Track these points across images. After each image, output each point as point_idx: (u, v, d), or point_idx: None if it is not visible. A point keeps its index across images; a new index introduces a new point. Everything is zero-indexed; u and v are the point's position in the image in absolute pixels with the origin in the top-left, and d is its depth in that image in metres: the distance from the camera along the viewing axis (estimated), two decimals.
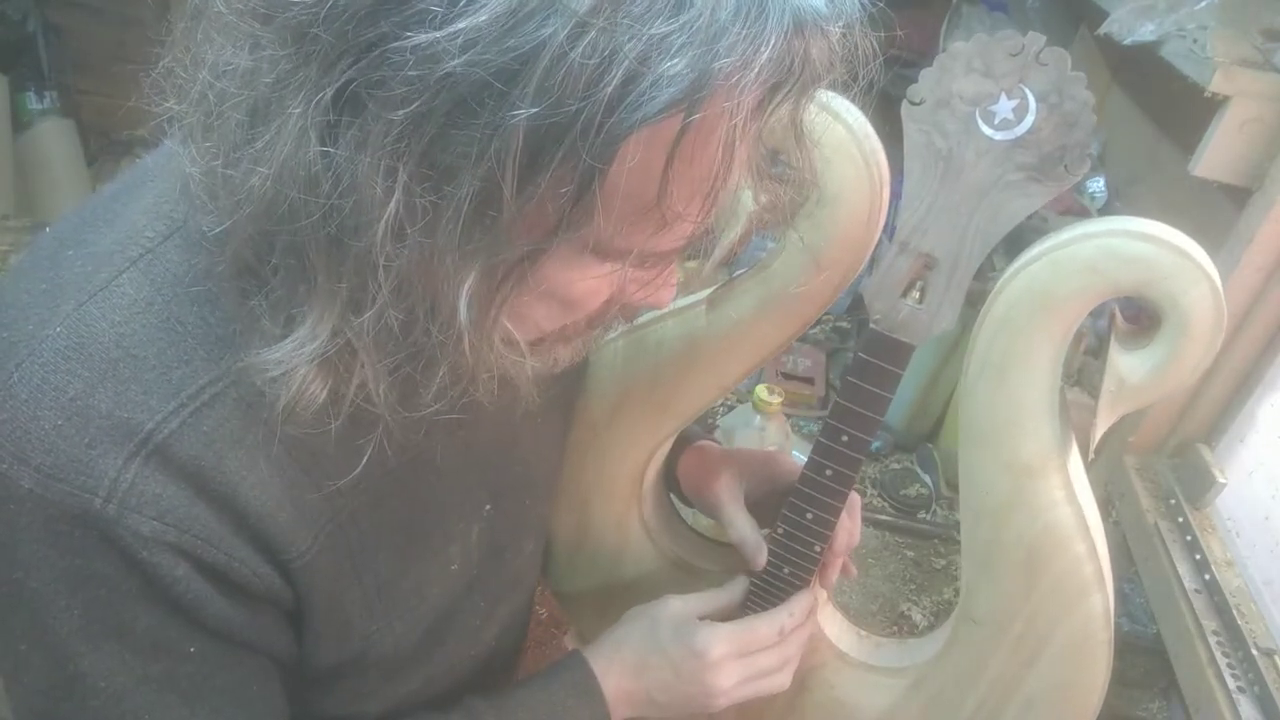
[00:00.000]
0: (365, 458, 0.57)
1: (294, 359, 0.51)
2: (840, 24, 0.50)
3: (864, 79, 0.55)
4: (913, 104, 0.65)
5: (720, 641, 0.81)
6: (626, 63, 0.42)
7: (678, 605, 0.84)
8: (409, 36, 0.43)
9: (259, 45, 0.47)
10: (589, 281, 0.55)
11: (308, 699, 0.71)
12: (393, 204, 0.46)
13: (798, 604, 0.86)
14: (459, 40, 0.42)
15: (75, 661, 0.56)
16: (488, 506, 0.77)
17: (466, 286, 0.48)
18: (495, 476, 0.77)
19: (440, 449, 0.69)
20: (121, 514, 0.53)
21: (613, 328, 0.67)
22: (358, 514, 0.64)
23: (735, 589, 0.88)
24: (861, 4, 0.52)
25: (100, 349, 0.54)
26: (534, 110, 0.43)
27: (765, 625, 0.83)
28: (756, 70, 0.45)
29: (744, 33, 0.44)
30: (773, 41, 0.45)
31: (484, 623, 0.81)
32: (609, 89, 0.43)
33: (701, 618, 0.84)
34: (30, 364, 0.53)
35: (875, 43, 0.54)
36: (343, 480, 0.61)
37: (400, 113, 0.44)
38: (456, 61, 0.42)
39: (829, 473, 0.79)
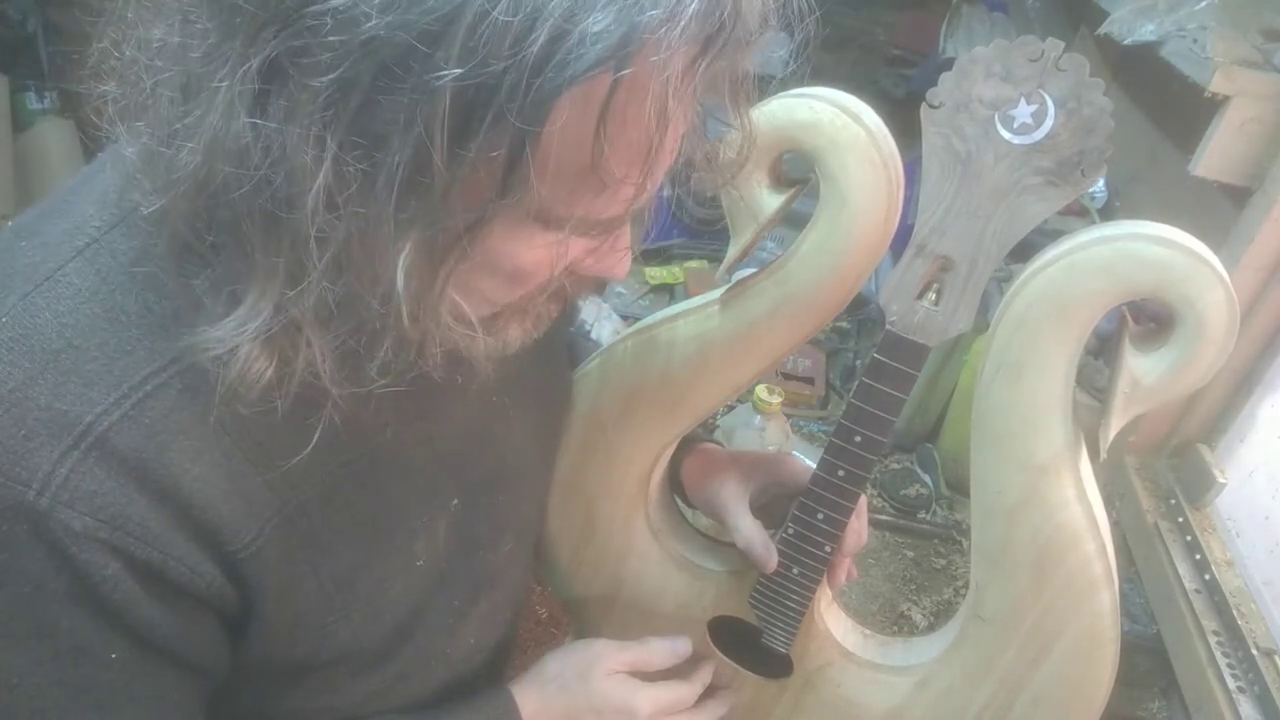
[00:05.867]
0: (313, 446, 0.57)
1: (236, 337, 0.51)
2: None
3: (799, 35, 0.55)
4: (932, 107, 0.66)
5: (648, 701, 0.85)
6: (551, 21, 0.43)
7: (611, 655, 0.86)
8: (327, 0, 0.43)
9: (188, 20, 0.48)
10: (535, 251, 0.54)
11: (276, 693, 0.71)
12: (322, 174, 0.46)
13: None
14: (376, 2, 0.43)
15: None
16: (455, 501, 0.76)
17: (404, 257, 0.48)
18: (463, 471, 0.76)
19: (400, 442, 0.68)
20: (54, 508, 0.52)
21: (569, 301, 0.66)
22: (309, 505, 0.63)
23: (660, 648, 0.90)
24: None
25: (42, 340, 0.54)
26: (459, 71, 0.43)
27: (688, 688, 0.88)
28: (683, 24, 0.45)
29: None
30: None
31: (459, 620, 0.80)
32: (534, 48, 0.43)
33: (632, 671, 0.87)
34: None
35: None
36: (290, 470, 0.61)
37: (324, 79, 0.44)
38: (376, 24, 0.43)
39: (841, 473, 0.79)
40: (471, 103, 0.44)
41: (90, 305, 0.55)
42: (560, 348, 0.92)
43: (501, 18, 0.42)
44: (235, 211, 0.49)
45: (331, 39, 0.43)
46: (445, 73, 0.43)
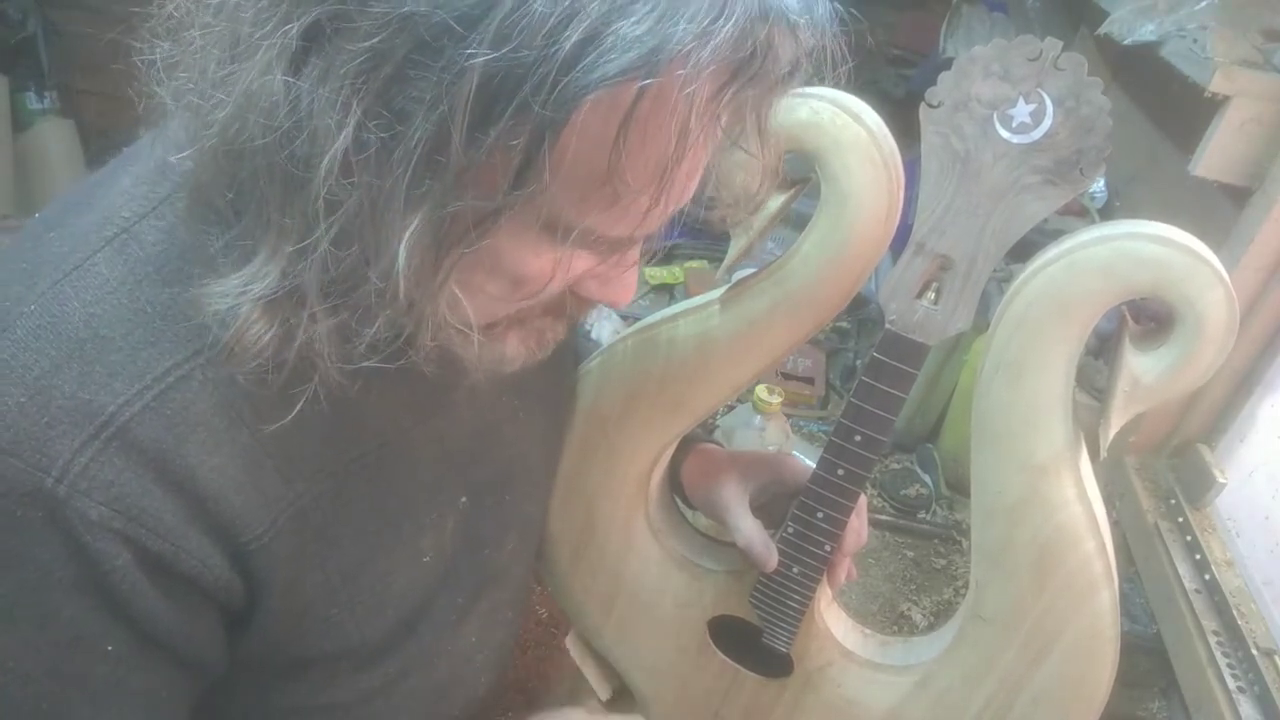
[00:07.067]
0: (327, 440, 0.57)
1: (240, 295, 0.52)
2: (809, 26, 0.51)
3: (830, 82, 0.56)
4: (931, 106, 0.66)
5: None
6: (588, 21, 0.43)
7: None
8: None
9: None
10: (539, 259, 0.55)
11: (279, 688, 0.71)
12: (342, 138, 0.46)
13: None
14: None
15: None
16: (463, 499, 0.76)
17: (410, 234, 0.48)
18: (472, 470, 0.77)
19: (411, 439, 0.69)
20: (71, 495, 0.53)
21: (568, 323, 0.67)
22: (321, 499, 0.64)
23: None
24: (836, 11, 0.52)
25: (70, 329, 0.55)
26: (490, 55, 0.43)
27: None
28: (715, 44, 0.45)
29: (707, 6, 0.45)
30: (736, 18, 0.46)
31: (461, 618, 0.81)
32: (568, 44, 0.43)
33: None
34: (1, 341, 0.54)
35: (844, 48, 0.54)
36: (304, 463, 0.61)
37: (360, 46, 0.45)
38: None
39: (841, 472, 0.79)
40: (497, 88, 0.44)
41: (117, 295, 0.56)
42: (568, 352, 0.93)
43: (540, 9, 0.43)
44: (256, 167, 0.50)
45: (374, 9, 0.44)
46: (476, 53, 0.43)
